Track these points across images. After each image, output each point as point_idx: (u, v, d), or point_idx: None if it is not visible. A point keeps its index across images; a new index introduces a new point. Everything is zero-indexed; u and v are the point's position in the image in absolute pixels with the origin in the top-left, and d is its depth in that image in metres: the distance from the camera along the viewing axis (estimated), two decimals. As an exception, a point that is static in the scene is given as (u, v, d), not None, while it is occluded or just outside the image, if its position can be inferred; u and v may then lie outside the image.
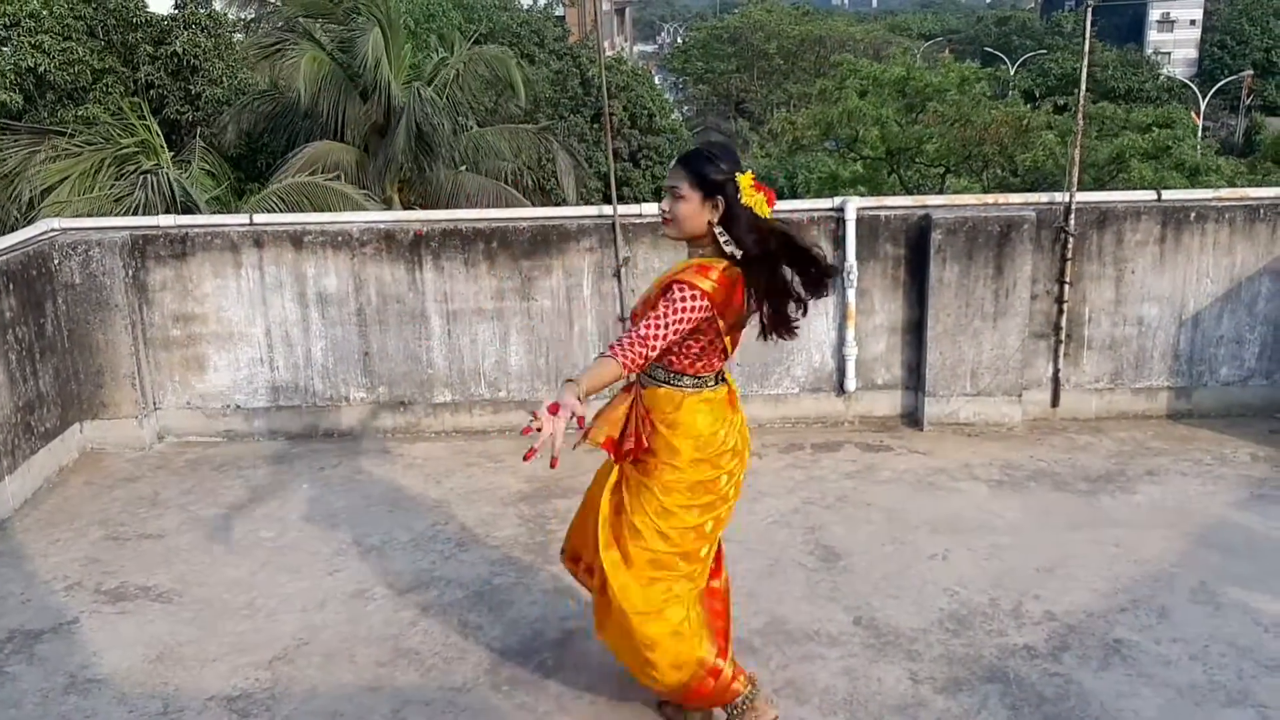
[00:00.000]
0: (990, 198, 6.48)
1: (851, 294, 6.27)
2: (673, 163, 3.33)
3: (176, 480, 6.02)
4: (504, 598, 4.68)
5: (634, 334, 3.15)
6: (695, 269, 3.27)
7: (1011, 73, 49.10)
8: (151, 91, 18.37)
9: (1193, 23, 77.61)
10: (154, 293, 6.38)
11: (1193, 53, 74.62)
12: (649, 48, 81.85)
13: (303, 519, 5.51)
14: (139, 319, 6.36)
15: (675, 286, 3.21)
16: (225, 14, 21.03)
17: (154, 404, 6.50)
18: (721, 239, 3.27)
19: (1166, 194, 6.36)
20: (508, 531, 5.30)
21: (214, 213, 13.30)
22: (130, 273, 6.30)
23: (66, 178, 13.75)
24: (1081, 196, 6.22)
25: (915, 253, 6.27)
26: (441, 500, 5.67)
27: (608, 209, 6.27)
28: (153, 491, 5.88)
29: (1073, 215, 6.14)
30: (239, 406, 6.55)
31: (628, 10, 61.35)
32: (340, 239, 6.29)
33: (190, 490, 5.88)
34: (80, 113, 17.02)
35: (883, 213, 6.28)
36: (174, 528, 5.45)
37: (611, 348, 3.15)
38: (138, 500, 5.78)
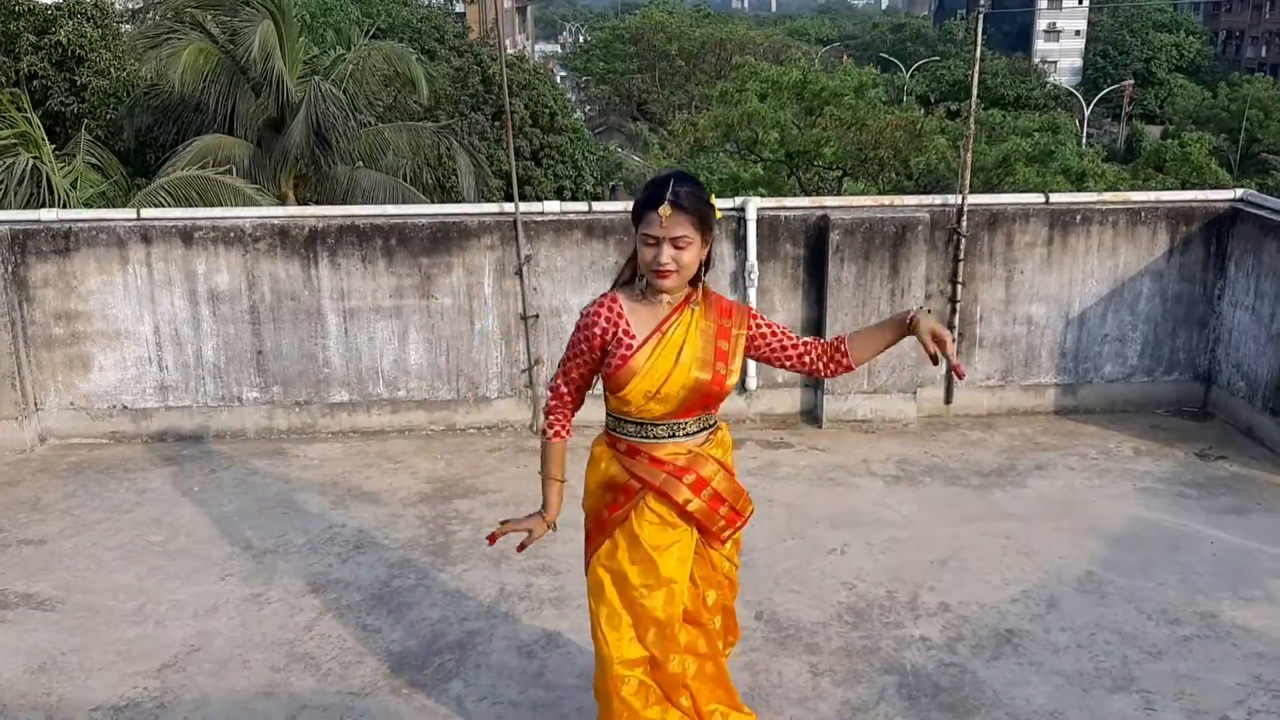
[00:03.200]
0: (886, 200, 6.60)
1: (753, 293, 6.33)
2: (655, 204, 2.87)
3: (59, 484, 5.79)
4: (404, 600, 4.61)
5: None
6: (730, 303, 3.14)
7: (907, 79, 50.16)
8: (34, 83, 17.64)
9: (1078, 33, 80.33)
10: (35, 289, 6.13)
11: (1078, 62, 77.22)
12: (551, 47, 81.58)
13: (193, 523, 5.35)
14: (18, 316, 6.11)
15: (751, 315, 3.13)
16: (112, 3, 20.32)
17: (35, 405, 6.25)
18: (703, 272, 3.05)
19: (1054, 197, 6.56)
20: (407, 533, 5.22)
21: (100, 209, 12.83)
22: (9, 268, 6.04)
23: (-64, 169, 13.13)
24: (974, 199, 6.37)
25: (814, 253, 6.35)
26: (338, 502, 5.56)
27: (509, 206, 6.22)
28: (34, 496, 5.65)
29: (965, 217, 6.29)
30: (126, 407, 6.33)
31: (529, 9, 61.03)
32: (232, 235, 6.12)
33: (74, 494, 5.67)
34: (-46, 106, 16.28)
35: (783, 213, 6.35)
36: (56, 533, 5.24)
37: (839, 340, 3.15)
38: (17, 505, 5.54)
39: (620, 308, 3.04)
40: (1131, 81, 61.47)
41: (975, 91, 6.48)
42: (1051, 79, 57.20)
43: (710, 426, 3.16)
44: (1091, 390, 6.65)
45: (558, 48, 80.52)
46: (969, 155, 6.48)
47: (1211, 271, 6.48)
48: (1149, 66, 66.74)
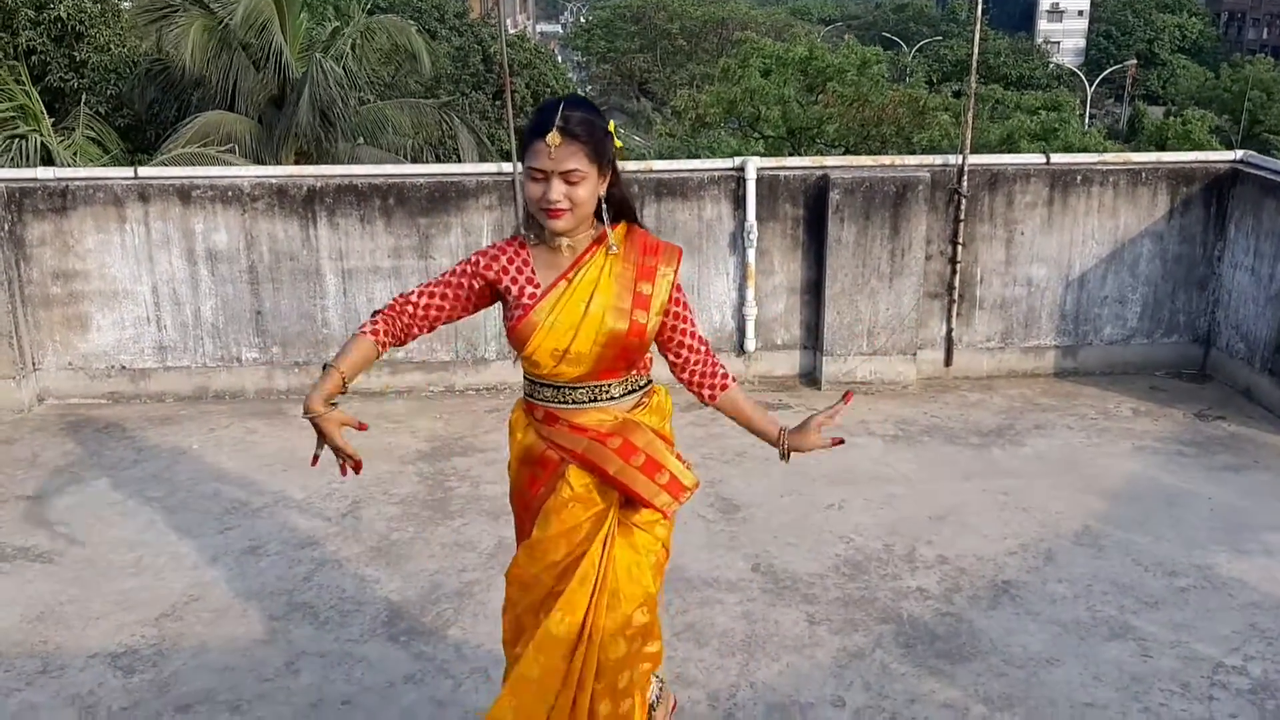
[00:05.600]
0: (887, 159, 6.58)
1: (751, 254, 6.31)
2: (542, 131, 2.48)
3: (57, 442, 5.79)
4: (402, 552, 4.61)
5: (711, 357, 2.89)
6: (659, 242, 2.78)
7: (909, 58, 49.99)
8: (33, 58, 17.59)
9: (1081, 13, 79.94)
10: (32, 248, 6.12)
11: (1081, 42, 76.91)
12: (552, 27, 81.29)
13: (192, 479, 5.35)
14: (15, 275, 6.10)
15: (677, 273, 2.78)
16: (112, -21, 20.25)
17: (33, 365, 6.25)
18: (606, 212, 2.67)
19: (1055, 157, 6.53)
20: (406, 489, 5.22)
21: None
22: (6, 227, 6.03)
23: (-64, 140, 13.13)
24: (974, 159, 6.35)
25: (814, 213, 6.33)
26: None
27: (507, 166, 6.20)
28: (31, 454, 5.65)
29: (965, 177, 6.26)
30: (124, 367, 6.32)
31: (530, -12, 60.82)
32: (230, 194, 6.11)
33: (72, 452, 5.67)
34: (-49, 80, 16.24)
35: (782, 173, 6.32)
36: (55, 489, 5.24)
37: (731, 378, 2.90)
38: (15, 462, 5.55)
39: (527, 254, 2.68)
40: (1134, 62, 61.19)
41: (977, 41, 6.44)
42: (1054, 59, 57.02)
43: (641, 389, 2.80)
44: (1091, 352, 6.63)
45: (559, 28, 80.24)
46: (970, 114, 6.45)
47: (1212, 233, 6.45)
48: (1151, 47, 66.44)
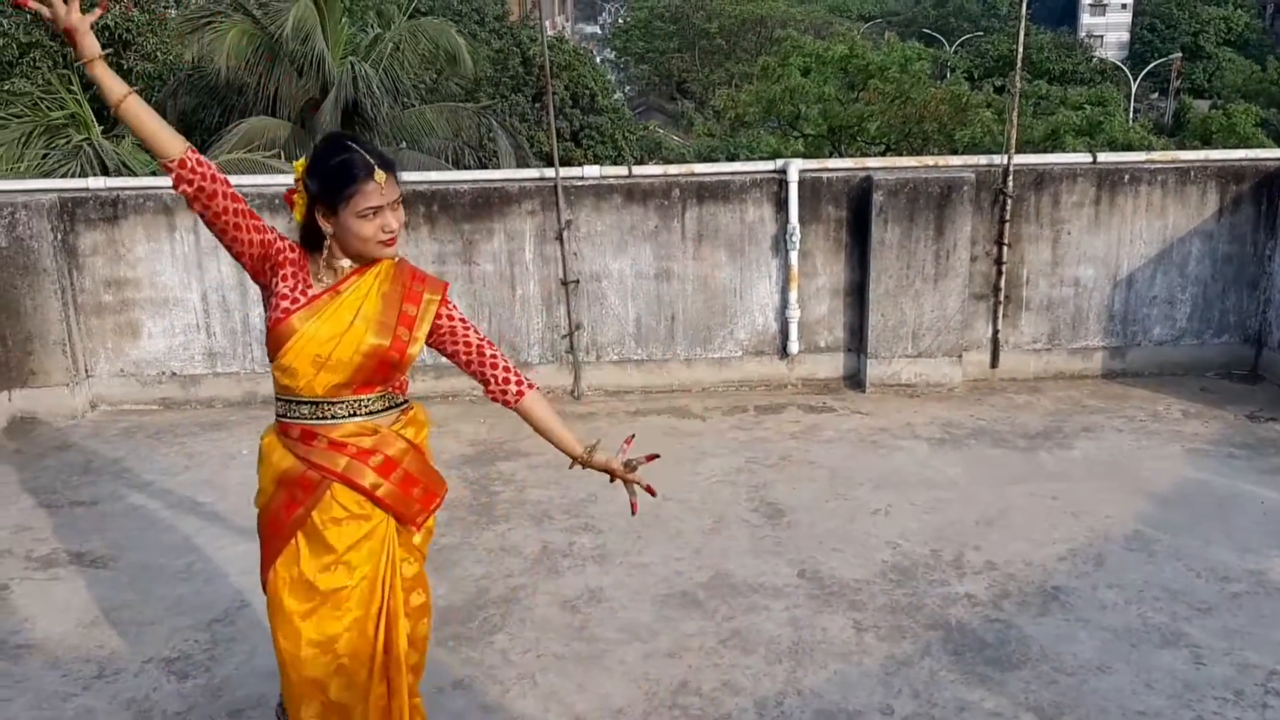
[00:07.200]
0: (930, 160, 6.54)
1: (794, 256, 6.29)
2: (366, 173, 2.57)
3: (110, 448, 5.89)
4: (448, 558, 4.64)
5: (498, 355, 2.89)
6: (424, 273, 2.87)
7: (950, 54, 49.57)
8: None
9: (1124, 6, 78.87)
10: (84, 257, 6.23)
11: (1124, 36, 75.87)
12: (591, 28, 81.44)
13: (241, 484, 5.40)
14: (69, 284, 6.21)
15: (446, 293, 2.85)
16: (158, -13, 20.53)
17: (86, 371, 6.36)
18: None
19: (1102, 157, 6.47)
20: (451, 494, 5.16)
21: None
22: (59, 236, 6.14)
23: (-8, 149, 13.37)
24: (1019, 159, 6.29)
25: (857, 215, 6.30)
26: (383, 464, 5.60)
27: (550, 172, 6.23)
28: (85, 459, 5.75)
29: (1011, 177, 6.21)
30: (175, 374, 6.42)
31: (569, -10, 60.99)
32: (278, 201, 6.18)
33: (124, 458, 5.76)
34: (6, 86, 16.53)
35: (825, 174, 6.30)
36: (108, 495, 5.33)
37: (528, 385, 2.89)
38: (69, 468, 5.65)
39: (307, 264, 2.71)
40: (1179, 55, 60.30)
41: (1021, 44, 6.38)
42: (1098, 53, 56.30)
43: (399, 405, 2.84)
44: (1140, 353, 6.55)
45: (597, 29, 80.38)
46: (1015, 114, 6.39)
47: (1263, 231, 6.35)
48: (1197, 40, 65.43)
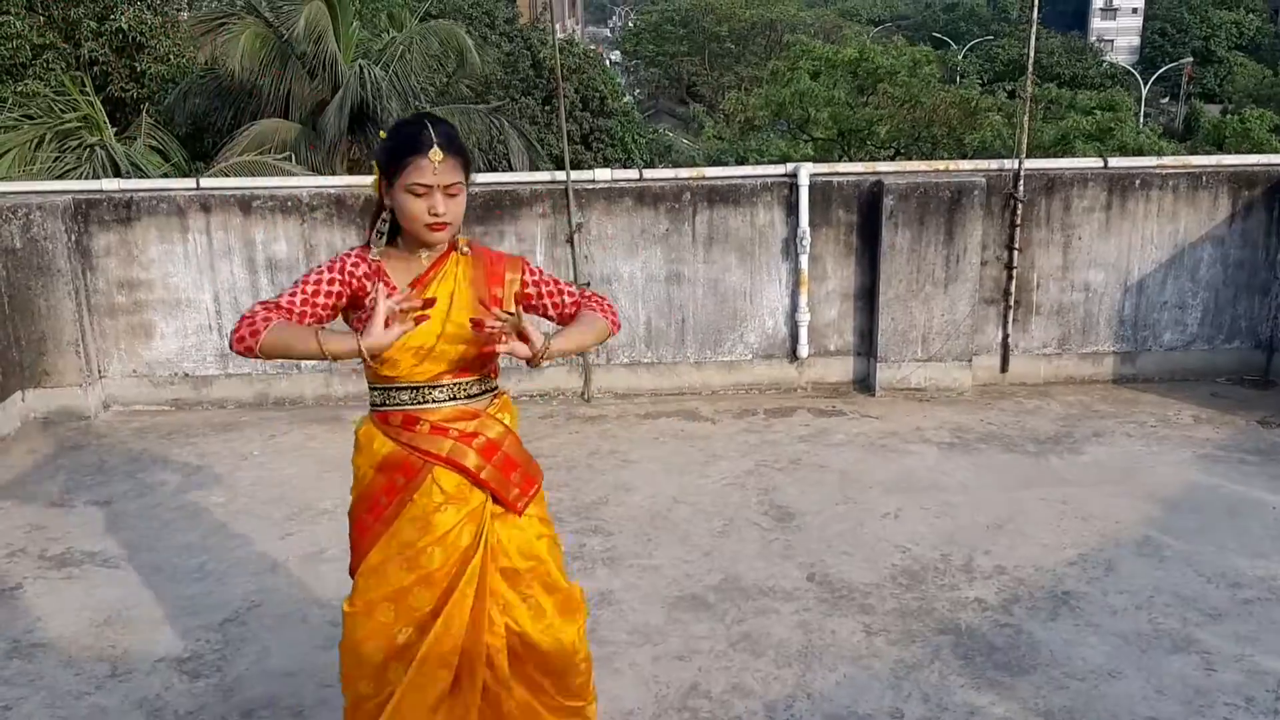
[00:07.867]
0: (941, 164, 6.55)
1: (804, 260, 6.30)
2: (422, 148, 2.57)
3: (123, 448, 5.92)
4: (459, 559, 4.65)
5: (595, 300, 2.95)
6: (499, 252, 2.90)
7: (960, 58, 49.54)
8: (95, 68, 17.93)
9: (1135, 11, 78.82)
10: (98, 258, 6.26)
11: (1135, 40, 75.82)
12: (601, 31, 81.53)
13: (254, 485, 5.44)
14: (82, 285, 6.24)
15: (525, 263, 2.89)
16: (171, -10, 20.62)
17: (99, 372, 6.39)
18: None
19: (1113, 161, 6.46)
20: (462, 495, 5.26)
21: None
22: (73, 238, 6.18)
23: (6, 151, 13.43)
24: (1030, 163, 6.29)
25: (867, 219, 6.31)
26: (394, 466, 5.61)
27: (561, 174, 6.24)
28: (98, 459, 5.78)
29: (1021, 181, 6.21)
30: (187, 374, 6.45)
31: (579, -7, 61.08)
32: (290, 204, 6.20)
33: (137, 458, 5.79)
34: (20, 88, 16.62)
35: (835, 178, 6.31)
36: (121, 494, 5.36)
37: (599, 304, 2.92)
38: (83, 468, 5.68)
39: (380, 265, 2.70)
40: (1190, 60, 60.21)
41: (1032, 49, 6.39)
42: (1108, 58, 56.21)
43: (493, 389, 2.88)
44: (1150, 358, 6.55)
45: (607, 32, 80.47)
46: (1026, 118, 6.39)
47: (1274, 237, 6.34)
48: (1208, 44, 65.38)
